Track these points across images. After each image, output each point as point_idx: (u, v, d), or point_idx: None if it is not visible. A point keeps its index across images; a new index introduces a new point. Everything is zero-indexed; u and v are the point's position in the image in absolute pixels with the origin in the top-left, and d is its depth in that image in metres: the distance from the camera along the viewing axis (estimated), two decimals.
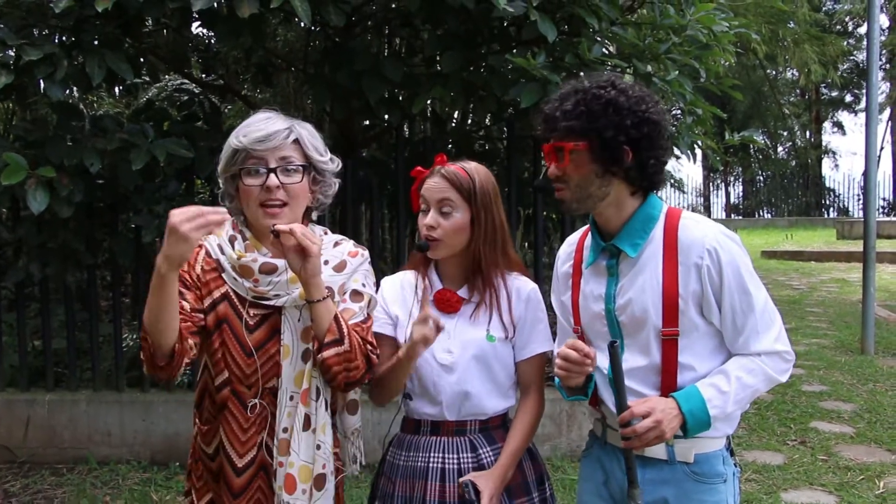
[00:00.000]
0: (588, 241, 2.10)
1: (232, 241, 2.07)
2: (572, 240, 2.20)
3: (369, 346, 2.05)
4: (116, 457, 4.90)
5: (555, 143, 1.91)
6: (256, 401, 2.04)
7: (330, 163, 2.11)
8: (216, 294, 2.06)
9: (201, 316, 2.04)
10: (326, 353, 1.95)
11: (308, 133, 2.07)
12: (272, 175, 1.99)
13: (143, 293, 5.18)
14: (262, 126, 2.01)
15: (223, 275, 2.06)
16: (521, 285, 2.24)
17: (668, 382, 1.94)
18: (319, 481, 2.03)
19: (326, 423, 2.05)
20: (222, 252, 2.06)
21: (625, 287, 1.97)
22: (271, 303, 2.03)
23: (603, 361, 1.98)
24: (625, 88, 1.91)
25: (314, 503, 2.03)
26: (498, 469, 2.13)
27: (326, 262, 2.06)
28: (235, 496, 2.06)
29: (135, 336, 5.83)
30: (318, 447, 2.03)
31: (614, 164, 1.90)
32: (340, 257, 2.12)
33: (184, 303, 2.00)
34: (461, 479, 2.10)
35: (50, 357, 5.11)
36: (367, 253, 2.19)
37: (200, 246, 2.10)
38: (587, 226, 2.15)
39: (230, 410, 2.06)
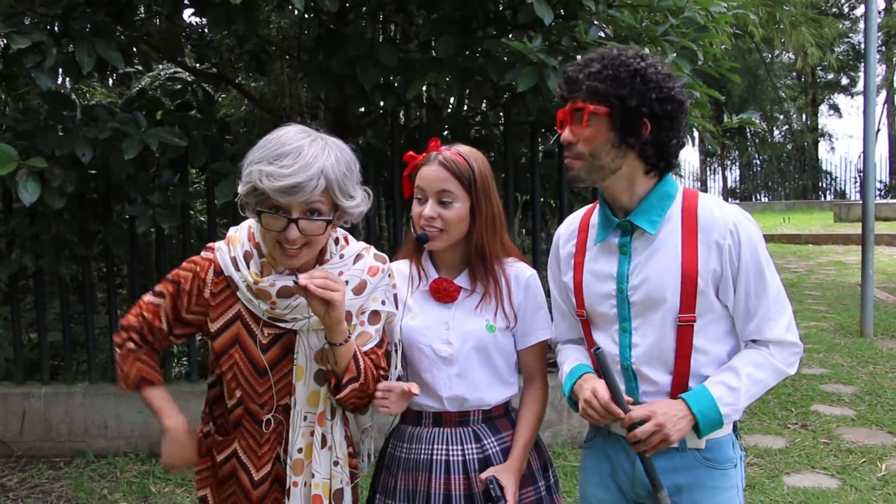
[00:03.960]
0: (594, 219, 2.04)
1: (247, 257, 1.96)
2: (574, 219, 2.13)
3: (381, 372, 2.01)
4: (114, 449, 4.87)
5: (574, 105, 1.85)
6: (271, 416, 2.01)
7: (361, 204, 1.92)
8: (228, 315, 1.99)
9: (178, 335, 2.08)
10: (344, 392, 1.92)
11: (341, 174, 1.84)
12: (293, 226, 1.82)
13: (138, 283, 5.14)
14: (290, 170, 1.76)
15: (237, 293, 1.97)
16: (520, 272, 2.18)
17: (680, 366, 1.90)
18: (338, 496, 2.02)
19: (342, 439, 2.04)
20: (236, 268, 1.95)
21: (640, 265, 1.92)
22: (288, 326, 1.96)
23: (611, 347, 1.95)
24: (654, 63, 1.86)
25: None
26: (514, 462, 2.10)
27: (346, 283, 1.95)
28: None
29: None
30: (336, 463, 2.01)
31: (631, 136, 1.85)
32: (360, 277, 2.00)
33: (164, 327, 2.04)
34: (483, 476, 2.05)
35: (45, 350, 5.07)
36: (388, 265, 2.08)
37: (210, 261, 2.01)
38: (590, 206, 2.10)
39: (245, 428, 2.04)
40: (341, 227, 2.02)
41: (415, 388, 1.98)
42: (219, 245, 2.02)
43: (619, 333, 1.95)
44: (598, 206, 2.05)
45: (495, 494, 2.01)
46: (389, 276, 2.09)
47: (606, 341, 1.95)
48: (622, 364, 1.95)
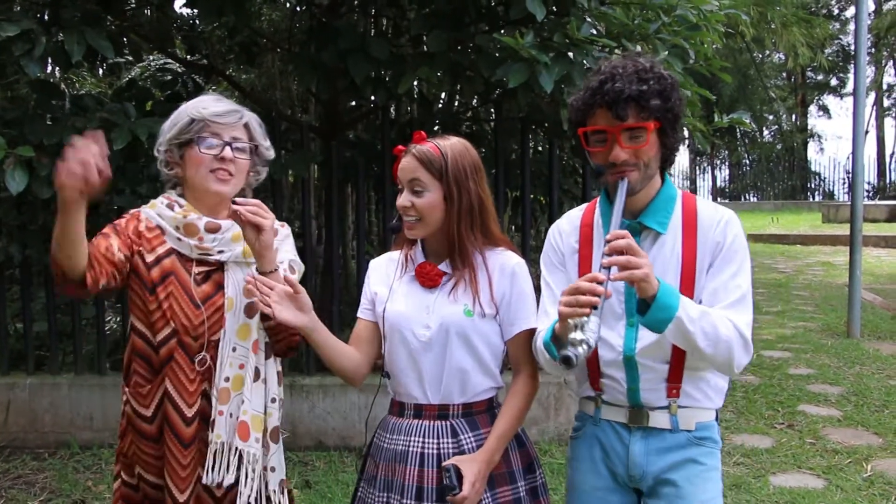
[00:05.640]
0: (598, 218, 2.08)
1: (171, 207, 2.17)
2: (573, 216, 2.15)
3: None
4: (99, 441, 4.83)
5: (635, 125, 1.92)
6: (204, 354, 2.12)
7: (270, 151, 2.27)
8: (160, 250, 2.15)
9: (123, 259, 2.11)
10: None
11: (255, 120, 2.22)
12: (227, 147, 2.12)
13: None
14: (217, 104, 2.16)
15: (166, 237, 2.15)
16: (505, 260, 2.15)
17: (678, 356, 1.96)
18: (275, 434, 2.17)
19: (275, 377, 2.18)
20: (162, 218, 2.16)
21: None
22: (215, 258, 2.15)
23: (615, 340, 1.99)
24: (664, 68, 2.01)
25: (271, 455, 2.16)
26: (483, 453, 2.06)
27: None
28: (186, 446, 2.12)
29: (118, 318, 5.76)
30: (273, 400, 2.17)
31: (676, 143, 2.00)
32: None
33: (112, 241, 2.11)
34: (444, 464, 2.03)
35: (30, 340, 5.04)
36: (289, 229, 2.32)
37: (136, 214, 2.20)
38: (586, 205, 2.15)
39: (176, 362, 2.12)
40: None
41: (299, 287, 2.03)
42: (140, 208, 2.24)
43: (625, 328, 2.00)
44: (599, 207, 2.09)
45: (450, 484, 1.98)
46: (291, 238, 2.32)
47: (611, 335, 2.00)
48: (625, 355, 1.99)
